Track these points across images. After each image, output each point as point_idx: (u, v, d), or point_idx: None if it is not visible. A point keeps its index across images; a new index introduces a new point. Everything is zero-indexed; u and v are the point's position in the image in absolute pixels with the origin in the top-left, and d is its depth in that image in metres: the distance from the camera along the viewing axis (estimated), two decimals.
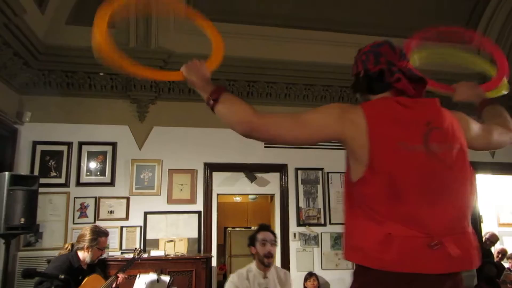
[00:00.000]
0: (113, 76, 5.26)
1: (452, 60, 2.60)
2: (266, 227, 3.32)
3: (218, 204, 5.71)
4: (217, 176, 5.60)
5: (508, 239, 7.61)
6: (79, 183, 5.14)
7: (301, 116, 1.48)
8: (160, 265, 4.68)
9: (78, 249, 3.54)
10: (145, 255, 4.81)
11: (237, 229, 8.50)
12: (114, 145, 5.30)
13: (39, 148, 5.09)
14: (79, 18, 5.00)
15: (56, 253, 3.89)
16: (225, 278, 8.03)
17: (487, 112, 1.79)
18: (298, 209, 5.69)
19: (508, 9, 5.76)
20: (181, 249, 5.07)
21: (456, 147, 1.44)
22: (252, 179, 5.59)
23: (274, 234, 3.22)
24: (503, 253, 6.70)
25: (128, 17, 4.91)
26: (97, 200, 5.12)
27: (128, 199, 5.20)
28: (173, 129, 5.50)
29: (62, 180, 5.09)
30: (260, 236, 3.16)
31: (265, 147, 5.53)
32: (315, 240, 5.62)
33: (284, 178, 5.75)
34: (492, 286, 5.19)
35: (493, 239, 6.67)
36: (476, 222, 6.13)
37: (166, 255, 4.87)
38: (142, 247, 5.06)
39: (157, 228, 5.20)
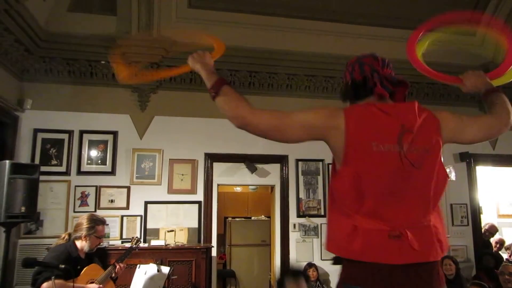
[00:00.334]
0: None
1: (458, 45, 2.56)
2: (297, 274, 3.28)
3: (219, 194, 5.72)
4: (217, 167, 5.59)
5: (507, 230, 7.64)
6: (80, 172, 5.14)
7: (289, 116, 1.59)
8: (160, 254, 4.69)
9: (75, 239, 3.52)
10: (145, 245, 4.84)
11: (237, 219, 8.53)
12: (115, 134, 5.29)
13: (40, 136, 5.09)
14: (81, 5, 4.96)
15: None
16: (225, 267, 8.09)
17: (490, 101, 1.79)
18: (298, 200, 5.70)
19: None
20: (181, 239, 5.09)
21: (427, 149, 1.53)
22: (252, 169, 5.59)
23: (307, 278, 3.15)
24: (501, 243, 6.73)
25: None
26: (97, 189, 5.13)
27: (128, 188, 5.21)
28: (174, 119, 5.49)
29: (63, 169, 5.10)
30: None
31: None
32: (315, 231, 5.63)
33: (285, 169, 5.75)
34: (490, 277, 5.22)
35: (492, 230, 6.70)
36: (476, 213, 6.17)
37: (166, 245, 4.87)
38: (142, 237, 5.09)
39: (158, 218, 5.21)
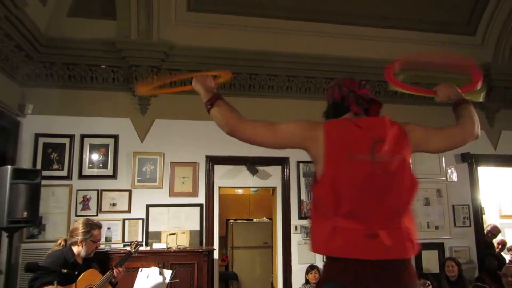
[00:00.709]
0: (114, 68, 5.25)
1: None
2: None
3: (220, 196, 5.73)
4: (218, 169, 5.60)
5: (509, 231, 7.62)
6: (81, 176, 5.15)
7: (274, 125, 1.80)
8: (162, 257, 4.70)
9: (72, 244, 3.50)
10: (147, 248, 4.85)
11: (239, 221, 8.52)
12: (116, 137, 5.30)
13: (41, 140, 5.10)
14: (81, 10, 4.99)
15: None
16: (227, 269, 8.09)
17: (458, 112, 1.96)
18: (300, 202, 5.70)
19: None
20: (183, 241, 5.08)
21: (397, 157, 1.69)
22: (253, 172, 5.60)
23: None
24: (503, 244, 6.72)
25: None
26: (99, 193, 5.14)
27: (130, 191, 5.22)
28: (174, 122, 5.49)
29: (64, 173, 5.11)
30: None
31: None
32: None
33: (286, 171, 5.75)
34: (493, 279, 5.21)
35: (495, 231, 6.67)
36: (478, 214, 6.15)
37: (168, 248, 4.88)
38: (144, 240, 5.10)
39: (159, 221, 5.22)
